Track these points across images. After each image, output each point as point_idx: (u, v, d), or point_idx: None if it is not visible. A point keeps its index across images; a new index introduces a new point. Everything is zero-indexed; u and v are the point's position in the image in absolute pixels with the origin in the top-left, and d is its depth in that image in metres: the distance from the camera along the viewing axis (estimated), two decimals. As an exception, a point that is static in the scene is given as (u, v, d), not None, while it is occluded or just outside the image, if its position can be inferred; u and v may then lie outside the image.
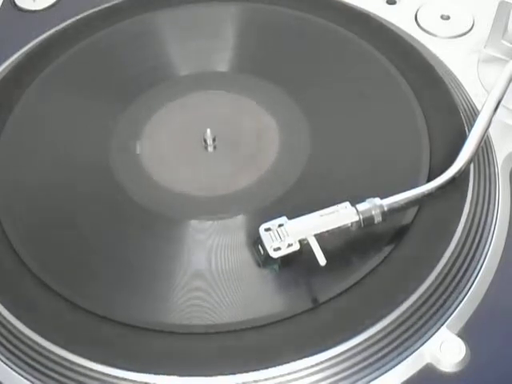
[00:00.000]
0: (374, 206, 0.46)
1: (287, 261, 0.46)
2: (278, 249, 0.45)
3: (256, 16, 0.63)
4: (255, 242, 0.47)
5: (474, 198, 0.50)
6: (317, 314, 0.44)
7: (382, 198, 0.46)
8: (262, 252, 0.46)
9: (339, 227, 0.45)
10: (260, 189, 0.52)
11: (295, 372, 0.42)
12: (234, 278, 0.47)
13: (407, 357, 0.44)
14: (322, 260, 0.44)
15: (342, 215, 0.46)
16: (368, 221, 0.46)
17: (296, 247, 0.45)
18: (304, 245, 0.45)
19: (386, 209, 0.46)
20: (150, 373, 0.42)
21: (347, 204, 0.46)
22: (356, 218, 0.46)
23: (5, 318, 0.46)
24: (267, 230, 0.46)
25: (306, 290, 0.46)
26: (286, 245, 0.45)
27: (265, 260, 0.46)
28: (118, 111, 0.57)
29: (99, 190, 0.52)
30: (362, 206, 0.46)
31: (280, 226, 0.46)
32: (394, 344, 0.44)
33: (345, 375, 0.43)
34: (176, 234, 0.50)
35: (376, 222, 0.46)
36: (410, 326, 0.44)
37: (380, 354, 0.43)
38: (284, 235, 0.45)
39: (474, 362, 0.43)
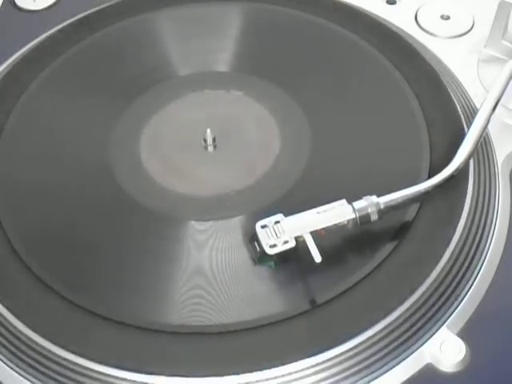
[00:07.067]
0: (370, 203, 0.46)
1: (285, 258, 0.46)
2: (274, 246, 0.45)
3: (256, 16, 0.63)
4: (251, 238, 0.47)
5: (474, 198, 0.50)
6: (317, 314, 0.44)
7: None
8: (257, 249, 0.46)
9: (335, 225, 0.45)
10: (260, 189, 0.52)
11: (295, 372, 0.42)
12: (234, 279, 0.47)
13: (407, 357, 0.44)
14: (317, 257, 0.44)
15: (338, 213, 0.46)
16: (364, 218, 0.46)
17: (292, 244, 0.45)
18: (300, 242, 0.45)
19: (382, 207, 0.46)
20: (149, 373, 0.42)
21: (344, 201, 0.46)
22: (352, 216, 0.46)
23: (5, 318, 0.46)
24: (263, 226, 0.46)
25: (306, 290, 0.46)
26: (282, 242, 0.45)
27: (260, 257, 0.46)
28: (118, 111, 0.57)
29: (99, 189, 0.53)
30: (358, 204, 0.46)
31: (276, 222, 0.46)
32: (394, 344, 0.44)
33: (345, 375, 0.43)
34: (176, 234, 0.50)
35: (372, 219, 0.46)
36: (410, 326, 0.44)
37: (380, 354, 0.43)
38: (280, 232, 0.45)
39: (474, 362, 0.43)
